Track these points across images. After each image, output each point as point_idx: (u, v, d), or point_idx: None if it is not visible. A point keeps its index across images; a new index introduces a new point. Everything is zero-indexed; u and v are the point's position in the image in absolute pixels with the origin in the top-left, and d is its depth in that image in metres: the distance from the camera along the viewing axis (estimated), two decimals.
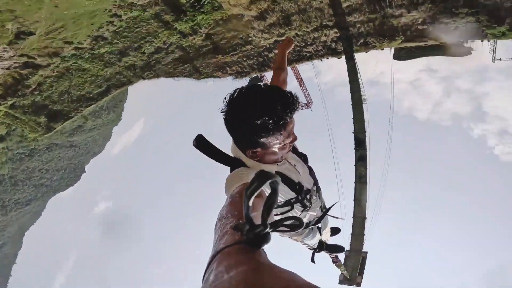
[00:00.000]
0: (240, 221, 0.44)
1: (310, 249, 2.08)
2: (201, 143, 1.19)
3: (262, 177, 0.42)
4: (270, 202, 0.44)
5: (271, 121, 0.99)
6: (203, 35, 11.37)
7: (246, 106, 1.00)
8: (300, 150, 1.51)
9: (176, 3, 10.52)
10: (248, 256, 0.41)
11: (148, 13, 10.70)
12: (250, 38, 11.41)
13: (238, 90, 1.02)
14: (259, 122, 0.99)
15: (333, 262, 3.11)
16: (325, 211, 1.70)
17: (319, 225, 1.85)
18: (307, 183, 1.43)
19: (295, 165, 1.37)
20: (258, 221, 0.44)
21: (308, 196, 1.41)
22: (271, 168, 1.21)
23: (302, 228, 1.16)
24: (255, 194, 0.41)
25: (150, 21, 11.01)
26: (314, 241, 1.94)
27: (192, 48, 11.92)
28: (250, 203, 0.42)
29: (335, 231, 2.36)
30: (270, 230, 0.45)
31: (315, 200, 1.48)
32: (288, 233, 1.42)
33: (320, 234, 1.95)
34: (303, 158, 1.49)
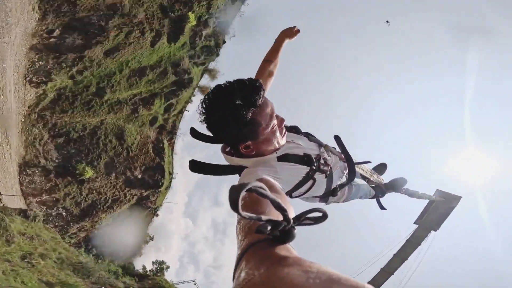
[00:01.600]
0: (261, 223, 0.41)
1: (372, 198, 2.07)
2: (197, 167, 1.21)
3: (233, 192, 0.39)
4: (272, 202, 0.42)
5: (241, 105, 0.99)
6: None
7: (214, 105, 1.02)
8: (289, 125, 1.41)
9: None
10: (275, 251, 0.40)
11: None
12: None
13: (205, 96, 1.05)
14: (231, 111, 1.00)
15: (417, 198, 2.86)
16: (349, 163, 1.51)
17: (358, 174, 1.83)
18: (313, 150, 1.32)
19: (292, 140, 1.28)
20: (278, 217, 0.43)
21: (322, 161, 1.29)
22: (272, 157, 1.14)
23: (342, 191, 1.49)
24: (240, 207, 0.38)
25: None
26: (365, 191, 1.91)
27: None
28: (245, 215, 0.39)
29: (381, 168, 2.38)
30: (295, 224, 0.44)
31: (331, 160, 1.38)
32: (331, 200, 1.48)
33: (368, 181, 2.00)
34: (295, 130, 1.42)
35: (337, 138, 1.54)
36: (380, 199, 2.11)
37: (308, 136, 1.42)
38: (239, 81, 1.02)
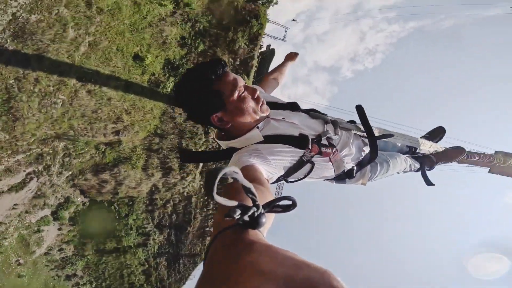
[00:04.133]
0: (231, 207, 0.41)
1: (417, 171, 1.86)
2: (187, 156, 1.23)
3: (209, 177, 0.38)
4: (244, 186, 0.43)
5: (200, 78, 1.04)
6: None
7: (180, 85, 1.07)
8: (287, 101, 1.31)
9: None
10: (243, 237, 0.40)
11: None
12: (184, 192, 8.84)
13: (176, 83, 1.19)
14: (193, 84, 1.05)
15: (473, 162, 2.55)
16: (370, 139, 1.34)
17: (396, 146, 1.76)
18: (312, 129, 1.18)
19: (283, 118, 1.17)
20: (250, 203, 0.44)
21: (324, 141, 1.17)
22: (256, 135, 1.09)
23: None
24: (214, 192, 0.38)
25: None
26: (402, 166, 1.70)
27: None
28: (218, 199, 0.39)
29: (436, 133, 2.14)
30: (265, 210, 0.44)
31: (338, 139, 1.24)
32: (350, 182, 1.38)
33: (414, 150, 1.86)
34: (291, 107, 1.26)
35: (359, 109, 1.38)
36: (427, 172, 1.91)
37: (309, 112, 1.28)
38: (202, 62, 1.11)
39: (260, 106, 1.10)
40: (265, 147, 1.03)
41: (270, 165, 0.98)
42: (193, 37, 8.19)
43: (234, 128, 1.10)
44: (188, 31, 8.06)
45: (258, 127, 1.10)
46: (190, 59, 8.13)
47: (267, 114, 1.13)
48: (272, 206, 0.45)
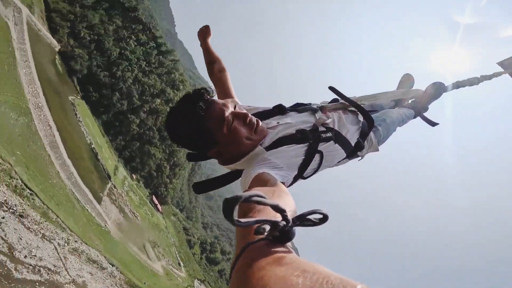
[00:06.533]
0: (260, 224, 0.41)
1: (415, 117, 1.87)
2: (201, 187, 1.19)
3: (226, 206, 0.39)
4: (271, 205, 0.42)
5: (186, 122, 1.04)
6: None
7: (170, 127, 1.10)
8: (271, 107, 1.33)
9: None
10: (273, 251, 0.40)
11: None
12: None
13: (165, 120, 1.13)
14: (180, 129, 1.06)
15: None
16: (359, 109, 1.41)
17: (383, 104, 1.75)
18: (306, 122, 1.22)
19: (278, 122, 1.21)
20: (277, 217, 0.44)
21: (321, 128, 1.20)
22: (259, 150, 1.09)
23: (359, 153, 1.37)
24: (234, 219, 0.39)
25: None
26: (400, 118, 1.70)
27: None
28: (241, 224, 0.40)
29: (406, 81, 2.13)
30: (294, 224, 0.44)
31: (331, 120, 1.27)
32: (362, 153, 1.39)
33: (401, 101, 1.89)
34: (279, 110, 1.30)
35: (332, 90, 1.44)
36: (425, 114, 1.88)
37: (297, 109, 1.31)
38: (182, 99, 1.10)
39: (255, 129, 1.11)
40: (271, 153, 1.06)
41: (281, 168, 0.99)
42: None
43: (234, 155, 1.12)
44: None
45: (261, 144, 1.11)
46: None
47: (265, 134, 1.14)
48: (302, 220, 0.44)
